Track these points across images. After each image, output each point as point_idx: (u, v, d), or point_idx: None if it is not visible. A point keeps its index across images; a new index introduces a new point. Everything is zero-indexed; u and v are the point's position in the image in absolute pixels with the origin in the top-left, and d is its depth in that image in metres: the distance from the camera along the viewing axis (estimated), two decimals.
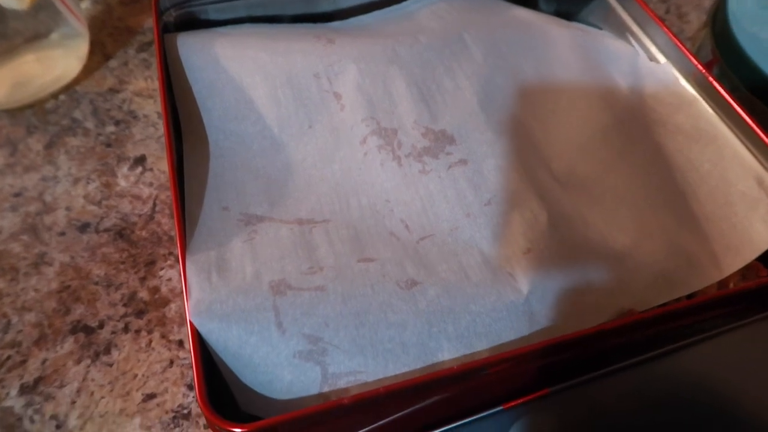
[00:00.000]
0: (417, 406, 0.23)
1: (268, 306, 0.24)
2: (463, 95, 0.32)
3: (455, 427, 0.23)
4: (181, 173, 0.30)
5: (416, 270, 0.26)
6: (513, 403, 0.23)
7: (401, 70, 0.32)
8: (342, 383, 0.23)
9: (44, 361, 0.33)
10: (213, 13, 0.38)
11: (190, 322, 0.23)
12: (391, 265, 0.26)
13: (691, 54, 0.36)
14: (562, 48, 0.36)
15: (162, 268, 0.37)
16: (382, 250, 0.26)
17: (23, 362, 0.33)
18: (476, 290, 0.25)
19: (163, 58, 0.33)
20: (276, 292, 0.24)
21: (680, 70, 0.37)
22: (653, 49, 0.39)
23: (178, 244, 0.26)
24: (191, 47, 0.33)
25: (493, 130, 0.30)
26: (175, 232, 0.29)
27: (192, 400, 0.32)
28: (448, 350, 0.24)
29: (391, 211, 0.28)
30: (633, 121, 0.35)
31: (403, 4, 0.40)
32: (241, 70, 0.32)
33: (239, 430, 0.20)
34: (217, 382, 0.24)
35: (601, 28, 0.41)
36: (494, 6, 0.39)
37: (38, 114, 0.45)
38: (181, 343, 0.34)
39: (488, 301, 0.25)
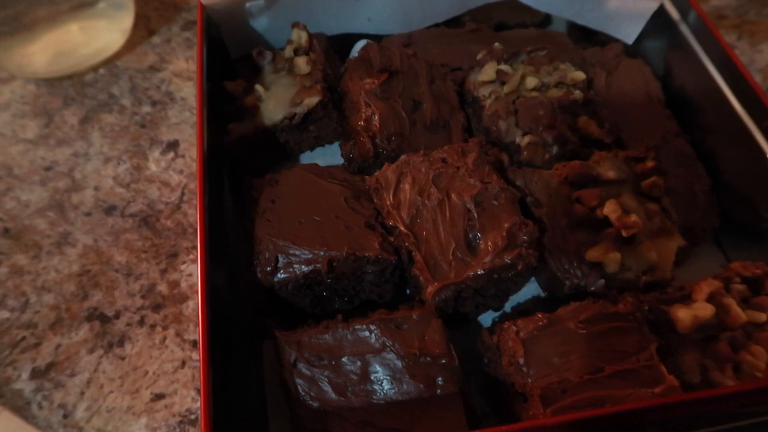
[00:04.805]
0: None
1: None
2: None
3: None
4: (210, 167, 0.29)
5: None
6: None
7: None
8: None
9: (58, 347, 0.33)
10: None
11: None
12: None
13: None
14: None
15: (184, 262, 0.36)
16: None
17: (37, 345, 0.33)
18: None
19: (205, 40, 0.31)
20: None
21: None
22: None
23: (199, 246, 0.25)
24: None
25: None
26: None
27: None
28: None
29: None
30: None
31: None
32: None
33: None
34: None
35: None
36: None
37: (77, 86, 0.44)
38: (195, 344, 0.33)
39: None
